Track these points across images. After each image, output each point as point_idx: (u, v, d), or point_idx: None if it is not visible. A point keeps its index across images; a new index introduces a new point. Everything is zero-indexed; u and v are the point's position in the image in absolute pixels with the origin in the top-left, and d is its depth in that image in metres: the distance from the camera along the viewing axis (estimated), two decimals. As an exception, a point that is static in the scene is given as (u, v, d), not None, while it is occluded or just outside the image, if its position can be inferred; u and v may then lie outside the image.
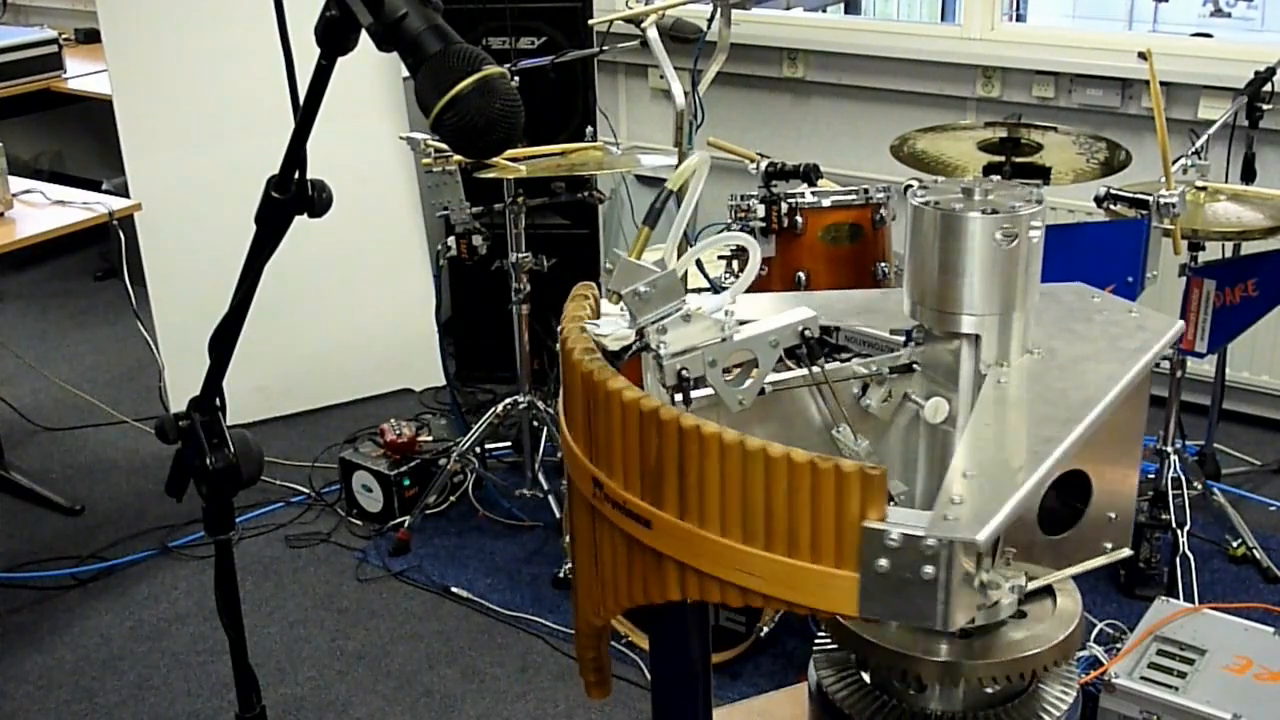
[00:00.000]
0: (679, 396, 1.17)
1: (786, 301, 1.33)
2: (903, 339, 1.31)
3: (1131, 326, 1.26)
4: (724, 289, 2.49)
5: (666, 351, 1.15)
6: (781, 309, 1.26)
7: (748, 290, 1.24)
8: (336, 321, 3.63)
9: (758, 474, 0.97)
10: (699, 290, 2.59)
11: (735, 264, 2.62)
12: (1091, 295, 1.34)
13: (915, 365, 1.27)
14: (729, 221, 2.54)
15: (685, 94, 2.61)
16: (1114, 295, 1.34)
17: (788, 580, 0.97)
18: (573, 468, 1.16)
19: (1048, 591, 1.24)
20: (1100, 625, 2.45)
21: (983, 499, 0.96)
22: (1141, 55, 2.41)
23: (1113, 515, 1.21)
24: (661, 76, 2.64)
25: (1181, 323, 1.29)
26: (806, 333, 1.20)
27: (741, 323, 1.20)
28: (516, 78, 2.60)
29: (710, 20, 2.70)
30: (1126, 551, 1.22)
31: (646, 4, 2.69)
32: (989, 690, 1.20)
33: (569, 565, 2.68)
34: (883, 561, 0.94)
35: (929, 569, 0.93)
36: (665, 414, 1.01)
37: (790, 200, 2.46)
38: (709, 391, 1.21)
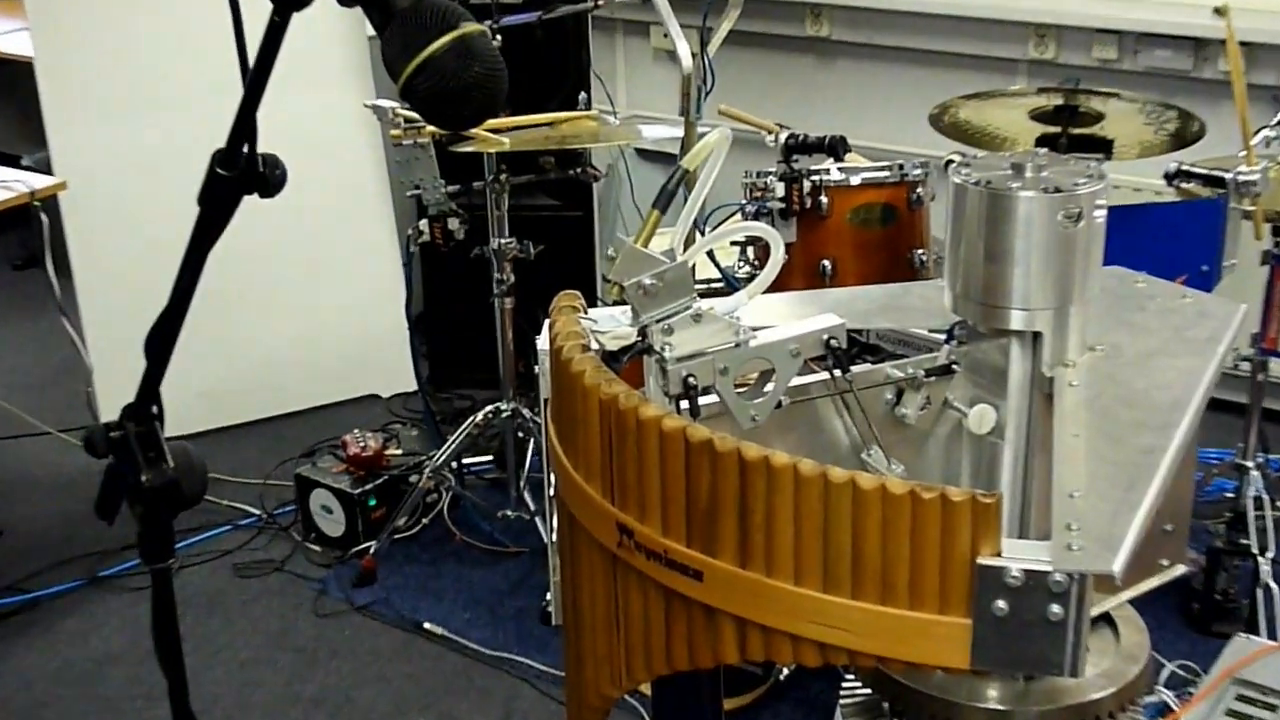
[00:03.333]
0: (685, 406, 1.17)
1: (809, 303, 1.34)
2: (943, 337, 1.31)
3: (1192, 314, 1.27)
4: (737, 280, 2.48)
5: (672, 355, 1.15)
6: (804, 312, 1.26)
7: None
8: (291, 318, 3.63)
9: (843, 511, 0.95)
10: (709, 282, 2.62)
11: (751, 251, 2.62)
12: (1135, 280, 1.35)
13: (956, 367, 1.27)
14: (743, 202, 2.54)
15: (693, 55, 2.61)
16: (1181, 285, 1.35)
17: (880, 632, 0.96)
18: (585, 513, 1.14)
19: (1109, 625, 1.24)
20: (1170, 667, 2.45)
21: (1102, 523, 0.96)
22: (1218, 11, 2.41)
23: (1169, 528, 1.21)
24: (665, 35, 2.63)
25: (1244, 306, 1.29)
26: (833, 342, 1.21)
27: (757, 328, 1.20)
28: (499, 36, 2.60)
29: (721, -29, 2.69)
30: (1183, 568, 1.23)
31: (648, -48, 2.69)
32: (1043, 741, 1.20)
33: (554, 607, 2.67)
34: (1001, 604, 0.93)
35: (1056, 608, 0.92)
36: (721, 445, 0.99)
37: (813, 178, 2.46)
38: (714, 399, 1.21)
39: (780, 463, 0.97)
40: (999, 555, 0.93)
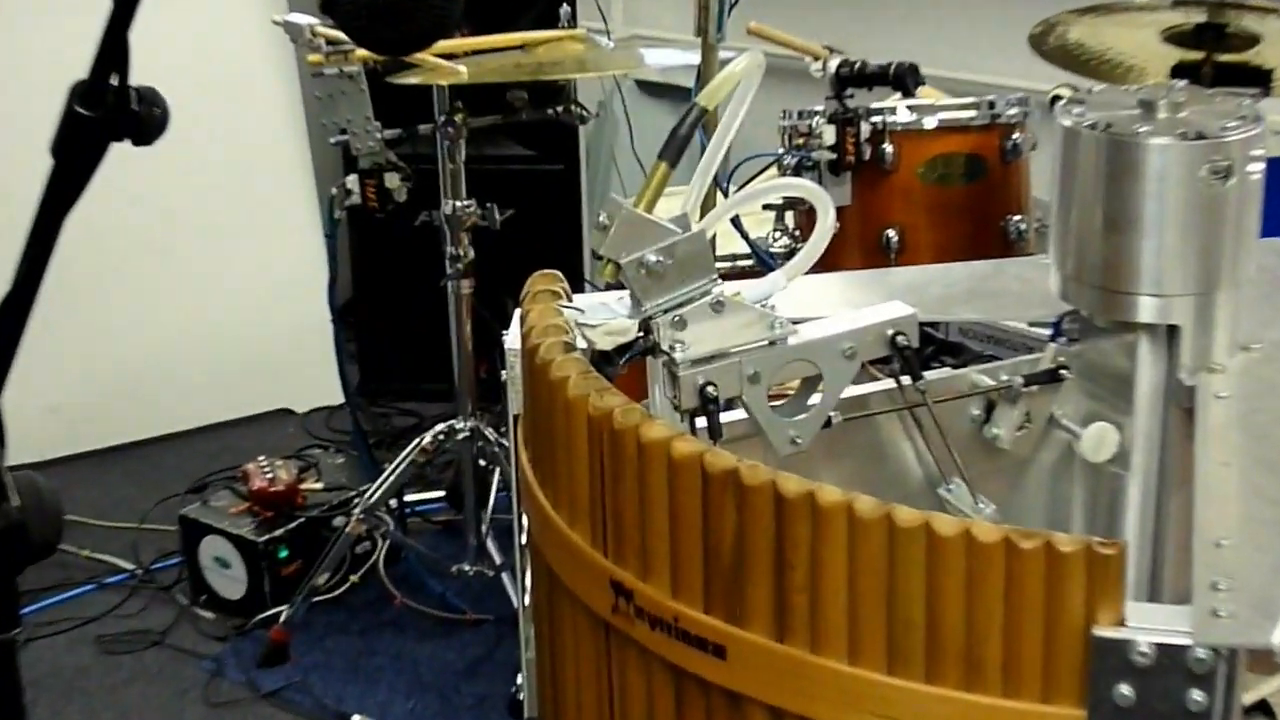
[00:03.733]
0: (701, 424, 1.16)
1: (868, 286, 1.33)
2: (1048, 333, 1.31)
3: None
4: (772, 257, 2.49)
5: (685, 356, 1.15)
6: (861, 298, 1.26)
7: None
8: (175, 308, 3.63)
9: (914, 565, 0.96)
10: (734, 259, 2.62)
11: (790, 217, 2.62)
12: None
13: (1066, 373, 1.27)
14: (780, 152, 2.53)
15: (712, -44, 2.61)
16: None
17: None
18: (568, 568, 1.15)
19: (1267, 718, 1.24)
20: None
21: (1259, 581, 0.96)
22: None
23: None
24: (676, -71, 2.63)
25: None
26: (900, 339, 1.21)
27: (798, 320, 1.20)
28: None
29: None
30: None
31: None
32: None
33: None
34: (1124, 689, 0.93)
35: (1198, 695, 0.93)
36: (751, 477, 1.00)
37: (875, 119, 2.45)
38: (740, 415, 1.20)
39: (829, 501, 0.97)
40: (1122, 624, 0.93)
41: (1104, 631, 0.93)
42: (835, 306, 1.26)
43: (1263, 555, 0.99)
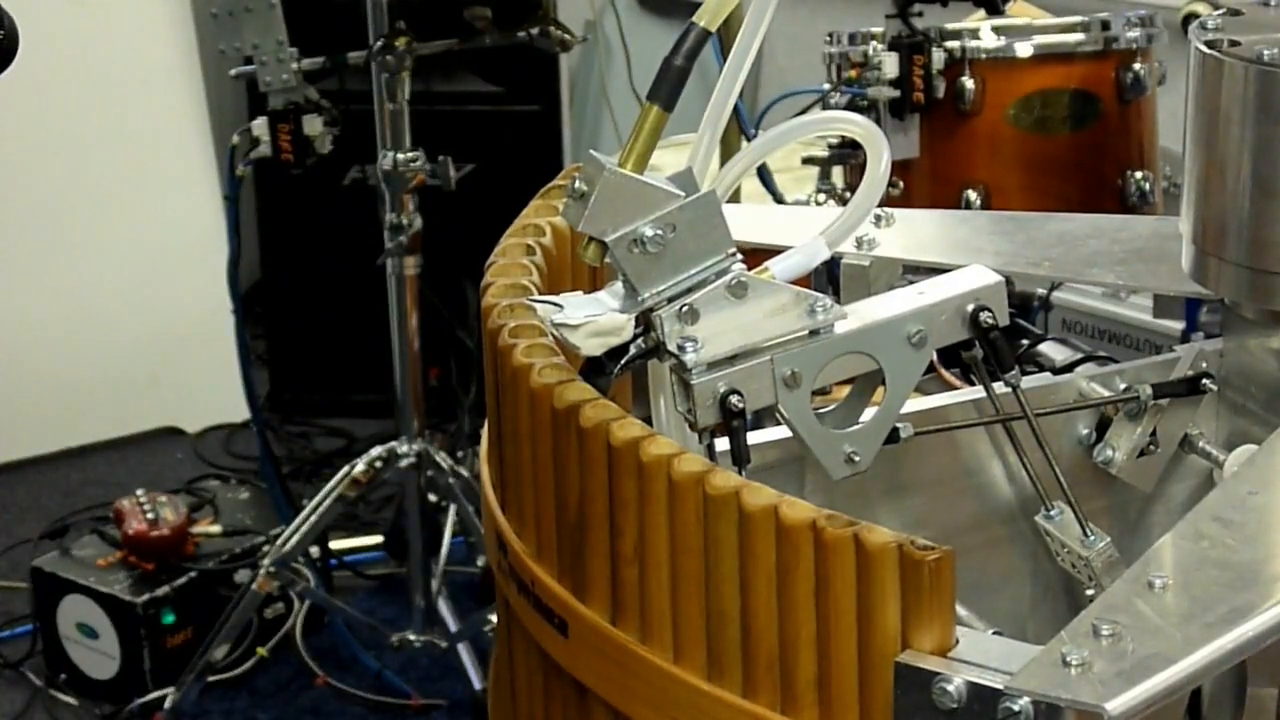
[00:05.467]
0: (721, 445, 1.17)
1: (937, 243, 1.33)
2: (1179, 326, 1.31)
3: None
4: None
5: (699, 358, 1.15)
6: (932, 251, 1.26)
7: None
8: (27, 296, 3.63)
9: (727, 545, 1.00)
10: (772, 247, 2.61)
11: (839, 174, 2.62)
12: None
13: (1209, 382, 1.27)
14: (824, 88, 2.53)
15: None
16: None
17: None
18: (490, 541, 1.23)
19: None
20: None
21: (1158, 639, 0.96)
22: None
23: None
24: None
25: None
26: (984, 318, 1.21)
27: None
28: None
29: None
30: None
31: None
32: None
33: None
34: None
35: None
36: (588, 416, 1.06)
37: (951, 45, 2.46)
38: (779, 433, 1.20)
39: (653, 454, 1.02)
40: (943, 652, 0.95)
41: (911, 658, 0.95)
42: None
43: (1192, 610, 0.98)
